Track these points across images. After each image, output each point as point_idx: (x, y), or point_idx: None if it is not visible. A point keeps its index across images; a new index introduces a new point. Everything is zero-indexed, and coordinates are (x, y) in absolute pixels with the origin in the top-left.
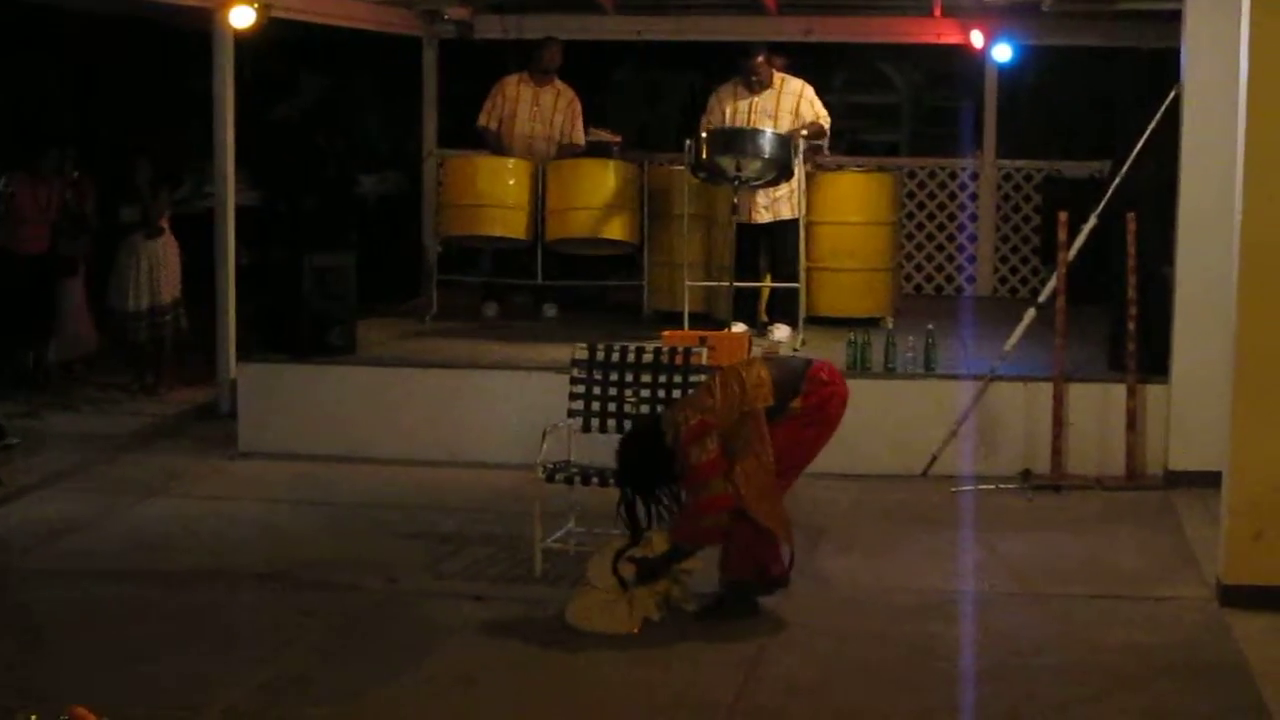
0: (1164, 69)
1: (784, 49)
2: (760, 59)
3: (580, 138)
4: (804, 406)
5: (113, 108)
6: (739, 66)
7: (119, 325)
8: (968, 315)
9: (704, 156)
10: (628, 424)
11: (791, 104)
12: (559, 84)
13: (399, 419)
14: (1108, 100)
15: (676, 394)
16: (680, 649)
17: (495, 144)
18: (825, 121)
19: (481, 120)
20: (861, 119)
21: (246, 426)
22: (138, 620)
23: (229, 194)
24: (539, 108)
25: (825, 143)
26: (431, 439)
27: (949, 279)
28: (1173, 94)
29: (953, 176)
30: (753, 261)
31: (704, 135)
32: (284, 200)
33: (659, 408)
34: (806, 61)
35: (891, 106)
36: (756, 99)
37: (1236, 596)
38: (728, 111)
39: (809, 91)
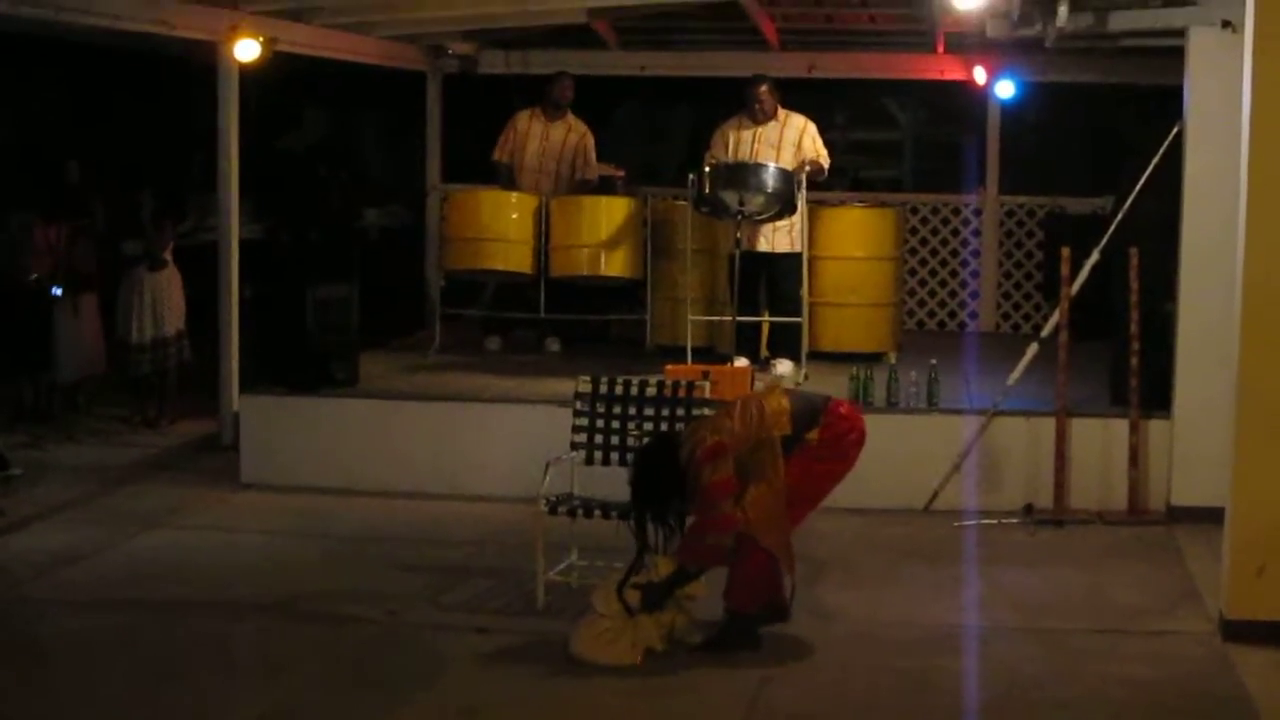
0: (1167, 106)
1: (785, 86)
2: (765, 87)
3: (592, 172)
4: (820, 439)
5: (118, 140)
6: (744, 96)
7: (123, 357)
8: (971, 350)
9: (707, 191)
10: (630, 457)
11: (795, 137)
12: (571, 119)
13: (401, 452)
14: (1111, 137)
15: (679, 427)
16: (683, 680)
17: (507, 177)
18: (825, 160)
19: (495, 154)
20: (864, 155)
21: (248, 458)
22: (137, 650)
23: (233, 226)
24: (549, 143)
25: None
26: (433, 472)
27: (952, 315)
28: (1175, 131)
29: (955, 212)
30: (755, 295)
31: (707, 169)
32: (288, 233)
33: None
34: (809, 98)
35: (894, 143)
36: (760, 129)
37: (1239, 631)
38: (731, 142)
39: (812, 128)
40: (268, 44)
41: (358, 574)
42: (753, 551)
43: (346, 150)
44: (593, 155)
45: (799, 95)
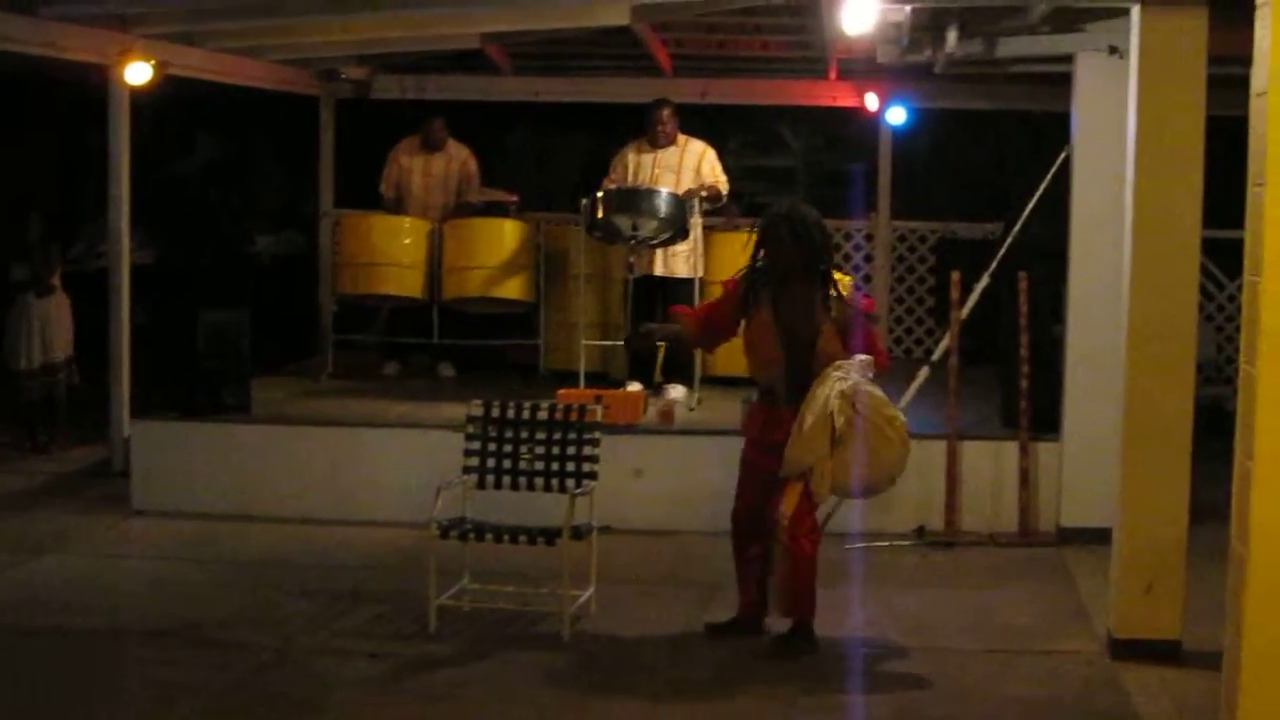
0: (1056, 131)
1: (679, 112)
2: (667, 111)
3: (474, 195)
4: None
5: (6, 165)
6: (645, 120)
7: (12, 384)
8: None
9: (600, 215)
10: (523, 481)
11: (694, 162)
12: (452, 148)
13: (293, 477)
14: (1002, 162)
15: (571, 451)
16: (578, 697)
17: (394, 211)
18: (724, 187)
19: (382, 189)
20: (758, 181)
21: (140, 485)
22: (25, 678)
23: (124, 251)
24: (431, 177)
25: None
26: (326, 497)
27: None
28: (1063, 155)
29: (847, 237)
30: (650, 320)
31: (600, 194)
32: (179, 258)
33: (554, 465)
34: (703, 123)
35: (788, 169)
36: (660, 154)
37: (1127, 650)
38: (631, 167)
39: (711, 154)
40: (159, 68)
41: (249, 600)
42: (803, 561)
43: (239, 175)
44: (475, 178)
45: (693, 121)
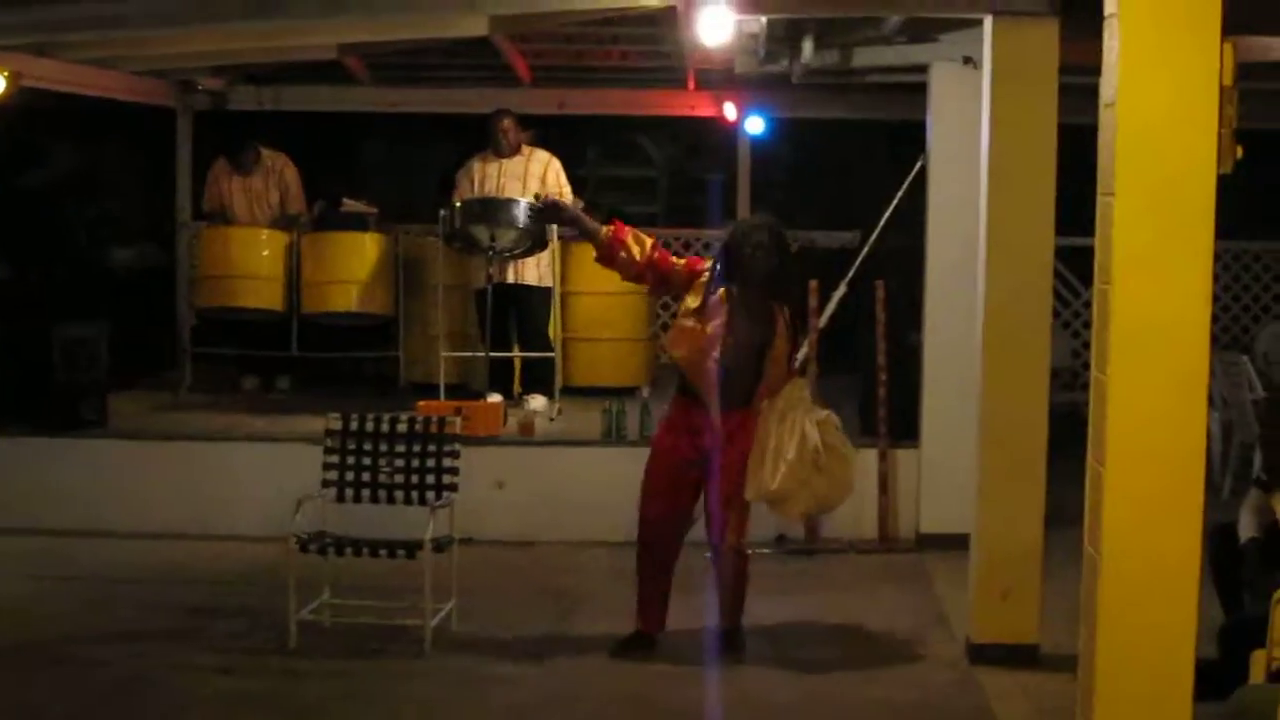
0: (912, 141)
1: (539, 122)
2: (507, 121)
3: (293, 207)
4: None
5: None
6: (487, 131)
7: None
8: None
9: (458, 226)
10: (382, 494)
11: (539, 171)
12: (267, 161)
13: (151, 492)
14: (859, 172)
15: (431, 464)
16: (440, 711)
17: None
18: (569, 199)
19: (204, 206)
20: (619, 192)
21: None
22: None
23: None
24: (252, 193)
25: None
26: (185, 512)
27: None
28: (919, 164)
29: (707, 246)
30: (506, 330)
31: (458, 205)
32: (33, 272)
33: (414, 478)
34: (563, 134)
35: (649, 179)
36: (506, 163)
37: (986, 654)
38: (476, 178)
39: (556, 164)
40: (12, 79)
41: (104, 616)
42: (746, 571)
43: (95, 187)
44: (294, 189)
45: (552, 132)
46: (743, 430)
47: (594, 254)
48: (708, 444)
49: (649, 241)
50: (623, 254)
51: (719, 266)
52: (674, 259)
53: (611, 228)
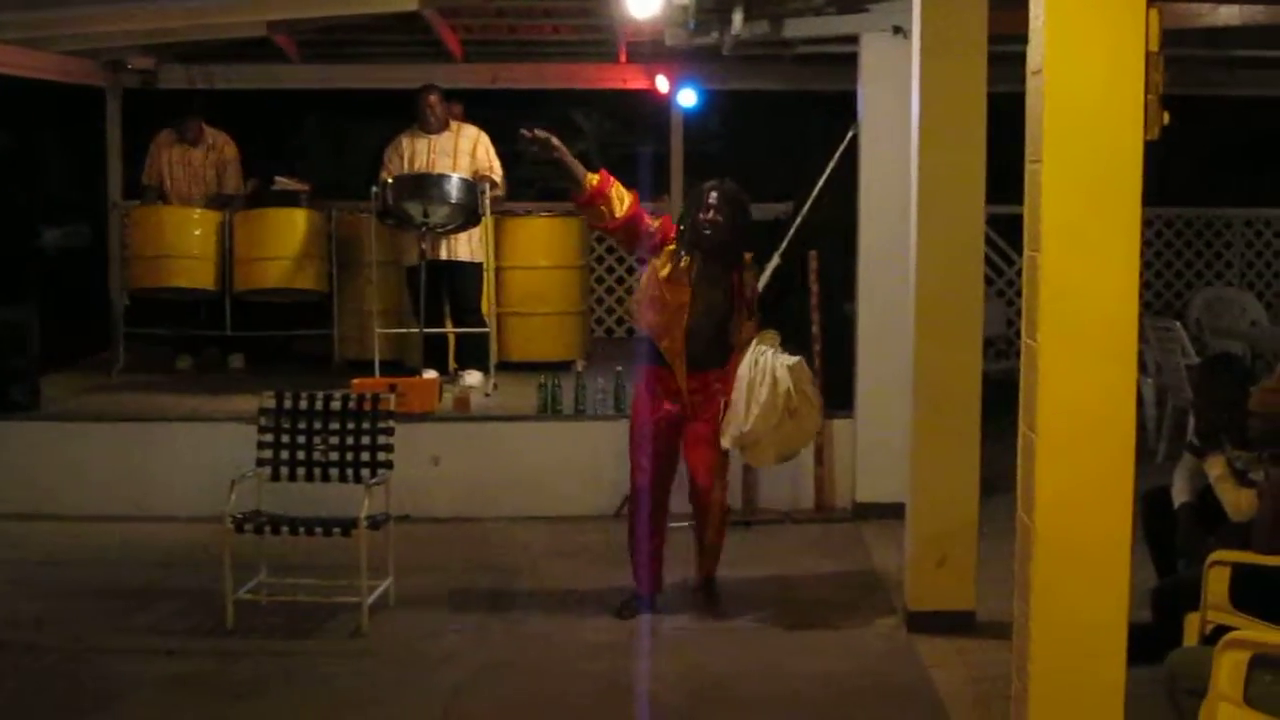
0: (845, 111)
1: (471, 98)
2: (434, 96)
3: (231, 186)
4: None
5: None
6: (415, 106)
7: None
8: None
9: (390, 202)
10: (317, 472)
11: (469, 147)
12: (210, 136)
13: (85, 474)
14: (792, 143)
15: (366, 441)
16: (369, 695)
17: (154, 200)
18: (498, 174)
19: (144, 179)
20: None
21: None
22: None
23: None
24: (191, 167)
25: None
26: (120, 493)
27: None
28: (850, 135)
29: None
30: (440, 306)
31: (390, 181)
32: None
33: (349, 455)
34: (495, 110)
35: (582, 153)
36: (435, 139)
37: (923, 622)
38: (406, 155)
39: (485, 139)
40: None
41: (40, 599)
42: (725, 519)
43: (24, 167)
44: (233, 164)
45: (485, 107)
46: (722, 386)
47: (573, 197)
48: (688, 404)
49: (628, 198)
50: (602, 206)
51: (683, 231)
52: (649, 221)
53: (597, 176)
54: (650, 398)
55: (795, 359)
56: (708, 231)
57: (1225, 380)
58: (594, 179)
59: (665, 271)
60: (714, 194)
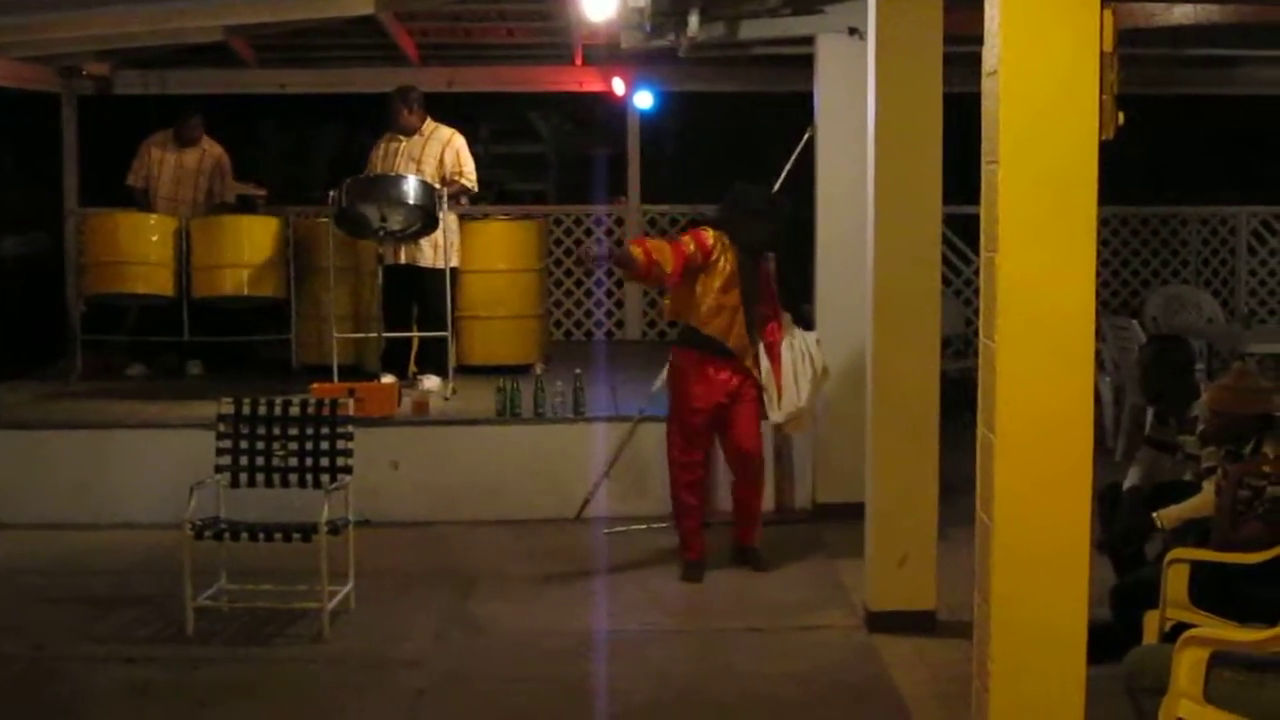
0: (801, 112)
1: (427, 101)
2: (398, 102)
3: (229, 194)
4: None
5: None
6: (388, 111)
7: None
8: (617, 359)
9: (345, 205)
10: (277, 478)
11: (437, 150)
12: (205, 143)
13: (43, 483)
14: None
15: (325, 446)
16: (334, 698)
17: (143, 202)
18: (468, 178)
19: (129, 180)
20: (509, 169)
21: None
22: None
23: None
24: (183, 170)
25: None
26: (78, 502)
27: (598, 324)
28: (807, 136)
29: (599, 223)
30: (401, 311)
31: (346, 183)
32: None
33: (308, 460)
34: (452, 112)
35: (538, 156)
36: (404, 144)
37: (884, 622)
38: (380, 158)
39: (458, 141)
40: None
41: (1, 609)
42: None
43: None
44: (229, 176)
45: (442, 110)
46: (755, 363)
47: (630, 276)
48: (733, 382)
49: (667, 248)
50: (655, 271)
51: (731, 232)
52: (687, 248)
53: (640, 251)
54: (701, 383)
55: (813, 335)
56: (752, 227)
57: (1173, 358)
58: (638, 253)
59: (718, 283)
60: (760, 198)
